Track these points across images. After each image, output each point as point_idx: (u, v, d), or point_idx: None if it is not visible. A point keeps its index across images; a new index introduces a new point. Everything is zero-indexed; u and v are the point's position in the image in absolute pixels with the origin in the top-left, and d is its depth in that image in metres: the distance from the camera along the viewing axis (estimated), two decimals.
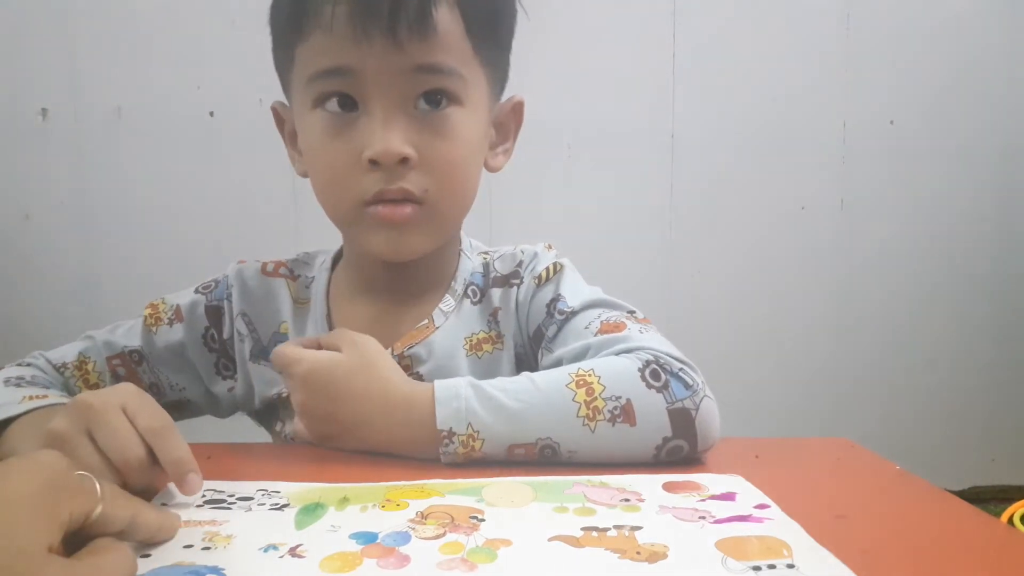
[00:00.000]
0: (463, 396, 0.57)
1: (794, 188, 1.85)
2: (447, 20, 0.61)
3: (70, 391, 0.69)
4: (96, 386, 0.70)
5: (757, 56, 1.81)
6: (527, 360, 0.72)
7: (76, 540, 0.37)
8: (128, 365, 0.73)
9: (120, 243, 1.70)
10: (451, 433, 0.56)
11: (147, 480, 0.48)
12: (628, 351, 0.61)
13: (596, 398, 0.57)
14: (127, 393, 0.50)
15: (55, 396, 0.61)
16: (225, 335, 0.74)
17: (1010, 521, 0.81)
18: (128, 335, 0.73)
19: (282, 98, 0.71)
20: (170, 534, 0.42)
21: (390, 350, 0.67)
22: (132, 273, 1.67)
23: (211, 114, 1.69)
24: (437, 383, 0.58)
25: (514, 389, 0.58)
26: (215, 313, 0.74)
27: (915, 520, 0.49)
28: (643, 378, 0.58)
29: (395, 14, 0.58)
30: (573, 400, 0.57)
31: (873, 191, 1.87)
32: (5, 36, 1.64)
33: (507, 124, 0.72)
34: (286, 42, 0.64)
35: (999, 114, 1.87)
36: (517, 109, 0.73)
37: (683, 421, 0.57)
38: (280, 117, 0.72)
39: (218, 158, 1.70)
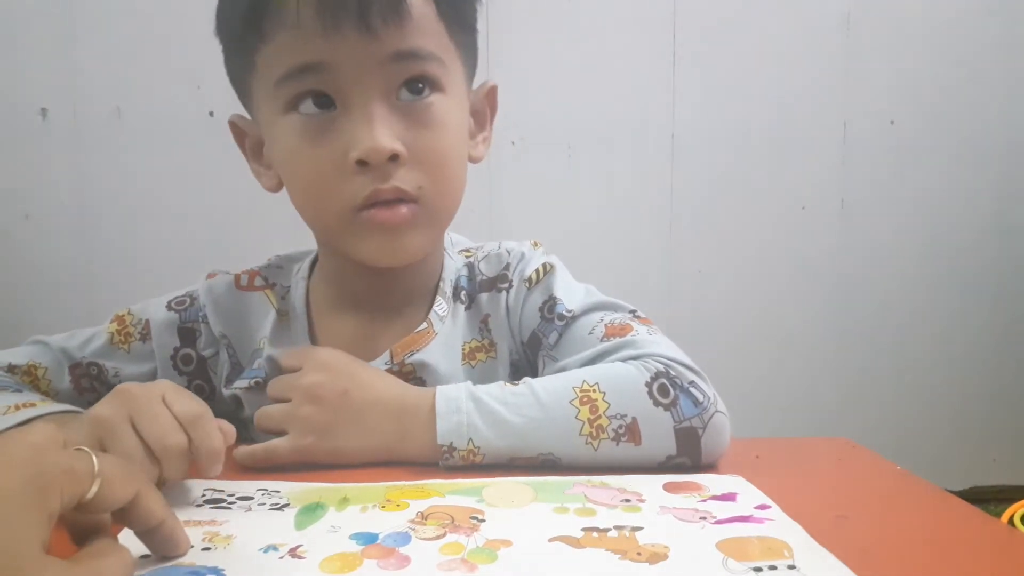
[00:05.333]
0: (464, 410, 0.56)
1: (794, 188, 1.85)
2: (419, 3, 0.58)
3: None
4: (47, 394, 0.66)
5: (757, 56, 1.81)
6: (522, 367, 0.69)
7: (75, 520, 0.36)
8: (89, 377, 0.69)
9: (120, 243, 1.69)
10: (451, 448, 0.55)
11: (183, 469, 0.49)
12: (636, 357, 0.60)
13: (600, 416, 0.56)
14: (166, 385, 0.52)
15: (40, 402, 0.59)
16: (203, 354, 0.70)
17: (1010, 521, 0.81)
18: (88, 347, 0.69)
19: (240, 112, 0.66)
20: (173, 535, 0.40)
21: (388, 355, 0.65)
22: (132, 273, 1.67)
23: (211, 114, 1.69)
24: (438, 392, 0.57)
25: (516, 403, 0.56)
26: (188, 334, 0.70)
27: (915, 520, 0.49)
28: (651, 394, 0.57)
29: (365, 2, 0.55)
30: (576, 418, 0.56)
31: (873, 191, 1.87)
32: (5, 36, 1.63)
33: (483, 111, 0.69)
34: (244, 47, 0.59)
35: (999, 114, 1.87)
36: (491, 95, 0.69)
37: (689, 440, 0.56)
38: (240, 131, 0.67)
39: (218, 158, 1.70)
